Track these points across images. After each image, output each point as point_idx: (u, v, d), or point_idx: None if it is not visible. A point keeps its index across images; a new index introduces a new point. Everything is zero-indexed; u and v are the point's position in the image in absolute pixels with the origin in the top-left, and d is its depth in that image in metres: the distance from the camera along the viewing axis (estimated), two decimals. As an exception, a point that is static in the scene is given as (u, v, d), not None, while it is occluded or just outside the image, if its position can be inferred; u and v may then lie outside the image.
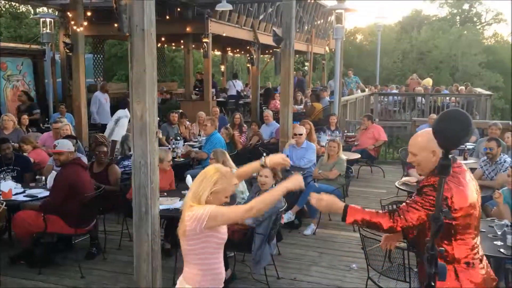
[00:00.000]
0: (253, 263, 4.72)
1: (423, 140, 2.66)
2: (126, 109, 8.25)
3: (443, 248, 1.93)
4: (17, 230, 5.18)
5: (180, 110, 10.98)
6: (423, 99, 16.94)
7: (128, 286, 4.72)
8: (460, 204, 2.47)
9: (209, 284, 2.77)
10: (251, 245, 4.71)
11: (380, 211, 2.65)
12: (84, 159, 6.88)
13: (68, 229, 5.14)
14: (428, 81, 19.70)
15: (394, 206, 4.45)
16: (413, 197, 2.58)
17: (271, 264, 5.02)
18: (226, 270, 4.82)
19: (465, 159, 7.65)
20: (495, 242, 3.99)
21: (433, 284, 1.51)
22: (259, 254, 4.65)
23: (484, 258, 2.65)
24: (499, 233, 4.06)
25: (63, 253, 5.58)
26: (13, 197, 5.38)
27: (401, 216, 2.52)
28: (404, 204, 2.61)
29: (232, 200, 4.79)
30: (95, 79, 15.53)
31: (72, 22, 9.41)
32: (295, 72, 17.39)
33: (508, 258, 3.89)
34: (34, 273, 5.11)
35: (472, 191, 2.54)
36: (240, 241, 4.74)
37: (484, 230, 4.29)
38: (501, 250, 3.83)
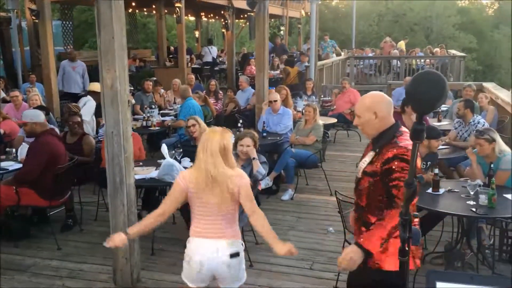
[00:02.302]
0: None
1: (366, 102, 2.65)
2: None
3: (417, 213, 1.94)
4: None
5: (154, 78, 10.77)
6: (398, 62, 16.99)
7: (105, 257, 4.69)
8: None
9: None
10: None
11: (380, 219, 2.52)
12: (56, 130, 6.73)
13: (42, 201, 5.04)
14: (402, 44, 19.73)
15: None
16: (388, 184, 2.48)
17: (249, 230, 5.04)
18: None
19: (439, 121, 7.75)
20: (467, 202, 4.07)
21: (407, 248, 1.52)
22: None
23: None
24: (472, 193, 4.14)
25: (38, 226, 5.50)
26: (-17, 170, 5.24)
27: (394, 210, 2.41)
28: (391, 192, 2.48)
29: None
30: (65, 47, 15.04)
31: (37, -13, 9.02)
32: (277, 39, 17.22)
33: (480, 216, 3.99)
34: (10, 247, 5.03)
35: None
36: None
37: (457, 191, 4.38)
38: (473, 209, 3.91)
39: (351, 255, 2.46)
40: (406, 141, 2.49)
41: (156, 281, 4.35)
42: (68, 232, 5.46)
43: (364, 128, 2.65)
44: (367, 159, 2.63)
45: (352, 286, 2.84)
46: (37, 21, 9.37)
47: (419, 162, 2.59)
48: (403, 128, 2.61)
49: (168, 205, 2.99)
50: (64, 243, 5.15)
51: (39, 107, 6.68)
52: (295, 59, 14.50)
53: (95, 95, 7.72)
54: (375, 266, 2.52)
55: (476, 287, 1.31)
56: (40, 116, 5.22)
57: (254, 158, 4.86)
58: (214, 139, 2.96)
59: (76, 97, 9.48)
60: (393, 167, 2.44)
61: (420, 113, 1.61)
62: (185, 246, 4.79)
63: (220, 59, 17.63)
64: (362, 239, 2.51)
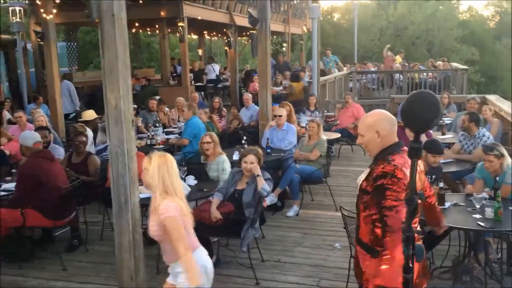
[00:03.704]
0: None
1: (369, 121, 2.63)
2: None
3: (420, 230, 1.93)
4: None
5: (158, 97, 10.84)
6: (400, 76, 17.03)
7: (110, 276, 4.68)
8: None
9: None
10: (233, 229, 4.70)
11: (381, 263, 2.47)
12: (61, 150, 6.77)
13: (47, 222, 5.05)
14: (398, 59, 19.80)
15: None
16: (380, 205, 2.44)
17: (255, 247, 5.02)
18: (211, 256, 4.84)
19: (443, 134, 7.74)
20: (474, 215, 4.05)
21: (411, 265, 1.50)
22: (243, 234, 4.65)
23: None
24: (478, 206, 4.11)
25: (43, 246, 5.49)
26: (-11, 193, 5.26)
27: (391, 234, 2.37)
28: (380, 223, 2.45)
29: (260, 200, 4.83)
30: (70, 68, 15.21)
31: (42, 10, 9.14)
32: (280, 56, 17.31)
33: (487, 230, 3.96)
34: (15, 268, 5.03)
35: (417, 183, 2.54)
36: (222, 226, 4.73)
37: (463, 204, 4.36)
38: (480, 223, 3.89)
39: None
40: (400, 159, 2.45)
41: None
42: (73, 252, 5.45)
43: (367, 146, 2.64)
44: (363, 175, 2.63)
45: None
46: (42, 42, 9.49)
47: (421, 178, 2.55)
48: (406, 148, 2.56)
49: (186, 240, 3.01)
50: (70, 263, 5.14)
51: (42, 128, 6.72)
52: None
53: (88, 123, 7.78)
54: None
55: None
56: (29, 140, 5.23)
57: (258, 175, 4.86)
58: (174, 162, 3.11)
59: (67, 117, 9.54)
60: (384, 182, 2.42)
61: (416, 132, 1.61)
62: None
63: (223, 77, 17.74)
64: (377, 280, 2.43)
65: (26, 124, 7.90)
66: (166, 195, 3.00)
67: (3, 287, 4.67)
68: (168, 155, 3.16)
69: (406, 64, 19.54)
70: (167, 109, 10.13)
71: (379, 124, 2.57)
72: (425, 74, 16.81)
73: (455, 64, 19.04)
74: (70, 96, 10.96)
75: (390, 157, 2.48)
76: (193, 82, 14.15)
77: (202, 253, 3.16)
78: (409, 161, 2.43)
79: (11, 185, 5.45)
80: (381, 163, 2.48)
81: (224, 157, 5.79)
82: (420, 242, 1.85)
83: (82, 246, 5.56)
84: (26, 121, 7.99)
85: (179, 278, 3.07)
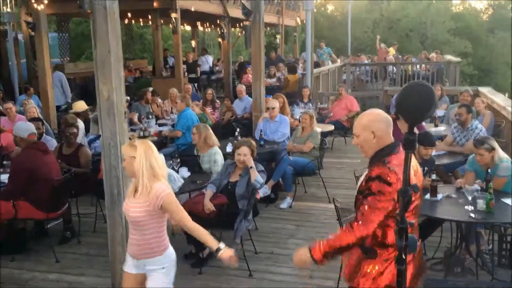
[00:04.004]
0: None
1: (364, 121, 2.58)
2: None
3: (412, 221, 1.94)
4: (-14, 218, 5.02)
5: (151, 88, 10.78)
6: (394, 68, 17.06)
7: (103, 269, 4.67)
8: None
9: None
10: (227, 221, 4.70)
11: (338, 231, 2.56)
12: (54, 142, 6.73)
13: (40, 214, 5.02)
14: (391, 51, 19.81)
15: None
16: (363, 201, 2.46)
17: (248, 239, 5.03)
18: (204, 248, 4.85)
19: (436, 126, 7.77)
20: (466, 207, 4.07)
21: (404, 257, 1.51)
22: (236, 226, 4.66)
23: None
24: (470, 198, 4.13)
25: (36, 239, 5.47)
26: (-20, 184, 5.22)
27: (362, 226, 2.43)
28: (358, 213, 2.48)
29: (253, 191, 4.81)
30: (62, 59, 15.08)
31: (33, 0, 9.04)
32: (272, 53, 17.26)
33: (478, 222, 3.99)
34: (7, 261, 5.01)
35: (412, 176, 2.49)
36: (216, 218, 4.73)
37: (455, 196, 4.38)
38: (472, 214, 3.91)
39: (299, 257, 2.60)
40: (396, 159, 2.42)
41: None
42: (66, 244, 5.44)
43: (363, 147, 2.58)
44: (362, 177, 2.60)
45: None
46: (33, 33, 9.39)
47: (414, 171, 2.53)
48: (401, 148, 2.49)
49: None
50: (63, 255, 5.12)
51: (35, 119, 6.67)
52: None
53: (79, 115, 7.73)
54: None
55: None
56: (23, 131, 5.20)
57: (251, 167, 4.86)
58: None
59: (60, 110, 9.49)
60: (372, 187, 2.40)
61: (410, 123, 1.61)
62: (184, 256, 4.77)
63: (217, 68, 17.67)
64: (313, 244, 2.55)
65: (16, 116, 7.83)
66: (154, 178, 3.03)
67: (-4, 280, 4.66)
68: (147, 140, 3.23)
69: (400, 56, 19.56)
70: (160, 100, 10.08)
71: (375, 124, 2.53)
72: (418, 66, 16.84)
73: (448, 57, 19.08)
74: (62, 87, 10.89)
75: (386, 159, 2.44)
76: (186, 73, 14.08)
77: (171, 248, 3.20)
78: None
79: (3, 177, 5.41)
80: (376, 165, 2.45)
81: (216, 149, 5.78)
82: (413, 234, 1.85)
83: (75, 238, 5.55)
84: (16, 112, 7.93)
85: (153, 276, 3.08)
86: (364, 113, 2.68)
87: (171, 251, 3.17)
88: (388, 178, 2.35)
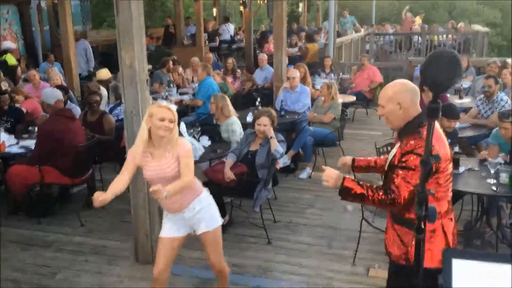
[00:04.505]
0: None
1: (390, 92, 2.53)
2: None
3: (433, 191, 1.92)
4: (12, 183, 5.16)
5: (174, 57, 10.78)
6: (419, 38, 16.64)
7: (126, 233, 4.80)
8: (442, 155, 2.37)
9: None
10: (246, 190, 4.75)
11: (374, 186, 2.52)
12: (78, 109, 6.83)
13: (65, 179, 5.15)
14: (418, 20, 19.26)
15: (389, 148, 4.45)
16: (399, 173, 2.43)
17: (267, 208, 5.09)
18: (223, 216, 4.92)
19: (460, 98, 7.62)
20: (488, 180, 4.03)
21: (423, 227, 1.52)
22: (255, 195, 4.71)
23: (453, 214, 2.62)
24: (493, 171, 4.08)
25: (61, 203, 5.63)
26: (7, 149, 5.36)
27: (396, 195, 2.41)
28: (392, 184, 2.45)
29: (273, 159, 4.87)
30: (84, 26, 15.13)
31: (56, -33, 9.03)
32: (293, 25, 16.98)
33: (501, 196, 3.95)
34: (34, 223, 5.19)
35: (446, 143, 2.48)
36: (236, 187, 4.78)
37: (477, 169, 4.33)
38: (494, 188, 3.87)
39: (330, 175, 2.61)
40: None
41: (177, 257, 4.44)
42: (90, 209, 5.56)
43: (388, 118, 2.55)
44: (394, 150, 2.55)
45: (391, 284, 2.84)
46: (56, 1, 9.41)
47: (440, 142, 2.49)
48: None
49: None
50: (87, 220, 5.27)
51: (59, 87, 6.76)
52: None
53: (103, 83, 7.79)
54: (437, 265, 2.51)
55: (492, 264, 1.32)
56: (51, 98, 5.27)
57: (271, 137, 4.86)
58: None
59: (81, 78, 9.56)
60: (408, 162, 2.37)
61: (435, 93, 1.59)
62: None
63: (238, 37, 17.52)
64: (348, 180, 2.55)
65: (40, 83, 7.95)
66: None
67: (23, 242, 4.83)
68: None
69: (426, 26, 19.04)
70: (181, 69, 10.09)
71: (401, 95, 2.48)
72: (444, 36, 16.40)
73: (476, 27, 18.50)
74: (86, 56, 10.95)
75: (420, 129, 2.40)
76: (207, 42, 14.00)
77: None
78: (439, 131, 2.42)
79: (28, 143, 5.54)
80: (412, 137, 2.41)
81: (233, 118, 5.79)
82: (433, 204, 1.85)
83: (98, 204, 5.68)
84: (39, 79, 8.03)
85: (204, 215, 3.25)
86: (390, 84, 2.63)
87: (206, 192, 3.35)
88: (421, 151, 2.31)
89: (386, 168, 2.61)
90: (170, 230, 3.26)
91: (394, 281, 2.72)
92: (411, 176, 2.36)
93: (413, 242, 2.42)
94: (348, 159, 3.00)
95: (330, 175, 2.59)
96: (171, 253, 3.29)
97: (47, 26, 14.08)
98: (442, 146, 2.41)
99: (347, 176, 2.59)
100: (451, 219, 2.53)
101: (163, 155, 3.14)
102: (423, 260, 1.57)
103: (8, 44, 11.69)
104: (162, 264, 3.25)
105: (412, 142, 2.39)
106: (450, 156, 2.48)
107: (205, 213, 3.28)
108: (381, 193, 2.44)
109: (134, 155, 3.15)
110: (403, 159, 2.39)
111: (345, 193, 2.53)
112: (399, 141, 2.56)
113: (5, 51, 11.26)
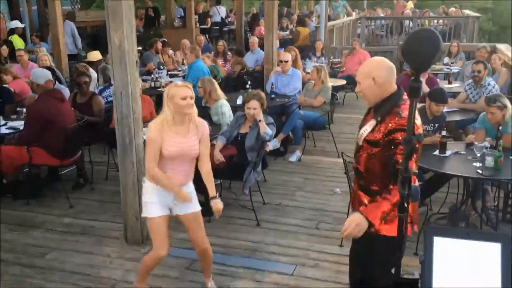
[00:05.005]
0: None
1: (366, 68, 2.59)
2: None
3: (416, 171, 1.96)
4: (1, 164, 5.15)
5: (163, 39, 10.69)
6: (410, 22, 16.63)
7: (116, 215, 4.82)
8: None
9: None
10: (236, 172, 4.78)
11: (386, 193, 2.48)
12: (66, 91, 6.77)
13: (53, 160, 5.13)
14: (410, 4, 19.23)
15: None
16: (394, 151, 2.44)
17: (256, 190, 5.13)
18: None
19: (449, 83, 7.67)
20: (474, 164, 4.09)
21: (406, 205, 1.55)
22: (245, 177, 4.74)
23: None
24: (478, 155, 4.15)
25: (50, 185, 5.62)
26: (-5, 130, 5.33)
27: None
28: (395, 167, 2.40)
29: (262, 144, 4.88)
30: (72, 6, 14.90)
31: None
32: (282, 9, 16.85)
33: (486, 178, 4.02)
34: (22, 205, 5.18)
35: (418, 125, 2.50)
36: (225, 169, 4.81)
37: (464, 153, 4.40)
38: (479, 171, 3.94)
39: (357, 222, 2.46)
40: (407, 110, 2.43)
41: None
42: (79, 190, 5.59)
43: (364, 94, 2.60)
44: (368, 127, 2.59)
45: (355, 250, 2.92)
46: (44, -20, 9.25)
47: (418, 122, 2.53)
48: (406, 96, 2.53)
49: None
50: (76, 201, 5.28)
51: (46, 68, 6.68)
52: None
53: (93, 65, 7.71)
54: (376, 232, 2.58)
55: (472, 242, 1.36)
56: (41, 78, 5.21)
57: (260, 120, 4.87)
58: None
59: (70, 57, 9.45)
60: (397, 139, 2.40)
61: (416, 70, 1.61)
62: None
63: (229, 20, 17.37)
64: (366, 210, 2.49)
65: (28, 63, 7.85)
66: None
67: (12, 222, 4.83)
68: None
69: (417, 10, 19.01)
70: (171, 51, 10.01)
71: (376, 71, 2.53)
72: (435, 21, 16.41)
73: (467, 12, 18.50)
74: (72, 36, 10.80)
75: (398, 110, 2.45)
76: (197, 24, 13.88)
77: None
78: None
79: (16, 123, 5.50)
80: (391, 117, 2.45)
81: (222, 101, 5.78)
82: (416, 184, 1.89)
83: (88, 185, 5.70)
84: (28, 59, 7.93)
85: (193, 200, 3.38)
86: (367, 60, 2.70)
87: None
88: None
89: (359, 143, 2.65)
90: (162, 210, 3.30)
91: (355, 247, 2.89)
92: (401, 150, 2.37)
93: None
94: None
95: (354, 227, 2.48)
96: (167, 230, 3.36)
97: (35, 6, 13.85)
98: (419, 125, 2.47)
99: (362, 210, 2.52)
100: None
101: (186, 133, 3.23)
102: (405, 236, 1.61)
103: (16, 23, 11.48)
104: (166, 242, 3.34)
105: (393, 122, 2.43)
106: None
107: (193, 195, 3.38)
108: (394, 185, 2.41)
109: (156, 139, 3.15)
110: (393, 137, 2.42)
111: (376, 220, 2.46)
112: (373, 118, 2.59)
113: (13, 31, 11.08)
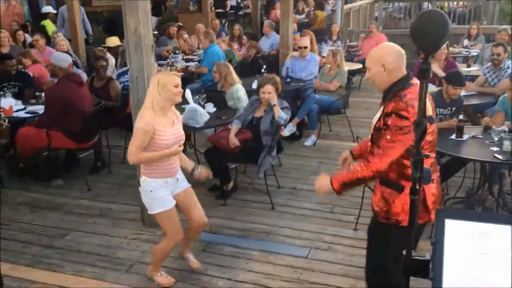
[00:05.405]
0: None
1: (375, 54, 2.57)
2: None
3: (428, 153, 1.95)
4: (21, 146, 5.26)
5: (179, 23, 10.68)
6: (429, 4, 16.31)
7: (133, 197, 4.88)
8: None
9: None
10: (251, 156, 4.80)
11: (357, 166, 2.61)
12: (84, 75, 6.84)
13: (72, 143, 5.21)
14: None
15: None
16: (381, 136, 2.49)
17: (271, 174, 5.15)
18: (228, 182, 5.00)
19: (468, 66, 7.54)
20: (491, 148, 4.05)
21: (417, 187, 1.55)
22: (260, 161, 4.77)
23: (437, 175, 2.67)
24: (496, 139, 4.09)
25: (68, 168, 5.72)
26: (14, 114, 5.42)
27: (377, 160, 2.49)
28: (375, 148, 2.54)
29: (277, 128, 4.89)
30: (88, -8, 14.92)
31: None
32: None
33: (503, 163, 3.97)
34: (41, 187, 5.30)
35: (428, 105, 2.47)
36: (240, 153, 4.83)
37: (481, 137, 4.35)
38: (497, 155, 3.89)
39: (320, 181, 2.69)
40: (412, 94, 2.40)
41: (182, 220, 4.53)
42: (97, 174, 5.68)
43: (374, 81, 2.58)
44: (378, 114, 2.59)
45: (369, 239, 2.93)
46: (60, -35, 9.28)
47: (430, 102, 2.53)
48: (415, 80, 2.51)
49: None
50: (94, 184, 5.37)
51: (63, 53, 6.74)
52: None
53: (111, 50, 7.74)
54: (392, 221, 2.60)
55: (483, 224, 1.36)
56: (64, 62, 5.26)
57: (274, 105, 4.86)
58: None
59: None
60: (389, 122, 2.42)
61: (425, 52, 1.60)
62: (209, 189, 4.96)
63: (245, 3, 17.26)
64: (335, 174, 2.64)
65: (45, 48, 7.92)
66: None
67: (32, 204, 4.95)
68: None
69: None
70: (186, 35, 10.01)
71: (385, 57, 2.51)
72: (455, 3, 16.08)
73: (488, -7, 18.07)
74: (82, 21, 10.83)
75: (402, 93, 2.44)
76: (213, 8, 13.82)
77: None
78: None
79: (36, 108, 5.59)
80: (393, 100, 2.45)
81: (238, 86, 5.79)
82: (428, 166, 1.88)
83: (105, 169, 5.78)
84: (44, 44, 8.00)
85: (182, 177, 3.49)
86: (376, 47, 2.67)
87: None
88: (405, 113, 2.37)
89: (371, 132, 2.66)
90: (171, 201, 3.37)
91: (372, 237, 2.89)
92: (394, 136, 2.41)
93: (393, 200, 2.56)
94: (347, 154, 3.07)
95: (320, 183, 2.70)
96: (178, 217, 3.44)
97: (53, -9, 13.93)
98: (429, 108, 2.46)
99: (333, 176, 2.66)
100: (433, 180, 2.58)
101: (172, 121, 3.27)
102: (416, 220, 1.62)
103: (48, 8, 11.59)
104: (181, 228, 3.44)
105: (393, 104, 2.43)
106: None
107: (181, 173, 3.50)
108: (369, 163, 2.53)
109: (150, 130, 3.15)
110: (385, 121, 2.45)
111: (340, 188, 2.61)
112: (383, 104, 2.59)
113: (45, 16, 11.17)
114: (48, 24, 10.78)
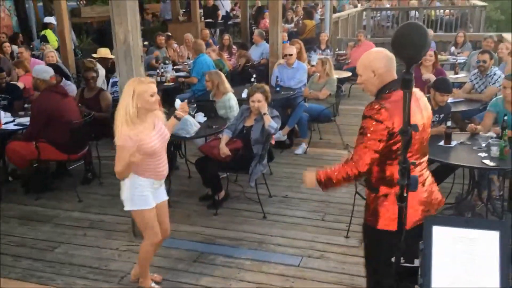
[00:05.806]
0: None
1: (365, 60, 2.59)
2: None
3: (414, 161, 1.97)
4: (11, 159, 5.24)
5: (168, 33, 10.71)
6: (416, 12, 16.52)
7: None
8: (398, 125, 2.32)
9: None
10: (242, 165, 4.81)
11: (343, 163, 2.62)
12: (73, 87, 6.82)
13: (61, 155, 5.19)
14: None
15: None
16: (357, 139, 2.52)
17: (262, 183, 5.16)
18: (219, 191, 5.00)
19: (456, 73, 7.64)
20: (479, 154, 4.09)
21: (405, 195, 1.58)
22: (251, 170, 4.77)
23: (428, 180, 2.68)
24: (484, 145, 4.14)
25: (59, 180, 5.69)
26: (3, 126, 5.39)
27: (355, 163, 2.51)
28: (354, 149, 2.57)
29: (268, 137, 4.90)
30: (78, 2, 14.95)
31: None
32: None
33: (491, 168, 4.02)
34: (32, 199, 5.26)
35: (415, 113, 2.48)
36: (231, 162, 4.83)
37: (469, 143, 4.39)
38: (485, 161, 3.94)
39: (307, 173, 2.73)
40: (394, 96, 2.41)
41: (173, 231, 4.49)
42: (88, 185, 5.65)
43: (365, 86, 2.61)
44: None
45: (365, 246, 2.95)
46: (49, -24, 9.28)
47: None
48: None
49: None
50: (85, 195, 5.34)
51: (51, 65, 6.72)
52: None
53: (104, 61, 7.73)
54: (383, 228, 2.60)
55: (471, 230, 1.38)
56: (45, 73, 5.27)
57: (264, 114, 4.89)
58: None
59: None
60: (363, 125, 2.46)
61: (406, 63, 1.63)
62: (200, 199, 4.95)
63: (234, 13, 17.34)
64: (322, 169, 2.67)
65: (30, 60, 7.88)
66: None
67: (22, 217, 4.90)
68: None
69: (423, 0, 18.88)
70: (176, 45, 10.03)
71: (375, 63, 2.54)
72: (441, 11, 16.29)
73: (473, 1, 18.35)
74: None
75: (384, 95, 2.47)
76: (203, 18, 13.87)
77: None
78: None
79: (25, 120, 5.56)
80: (373, 102, 2.48)
81: (230, 95, 5.81)
82: (415, 174, 1.91)
83: (96, 180, 5.75)
84: (29, 56, 7.95)
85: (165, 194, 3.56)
86: (366, 52, 2.69)
87: None
88: (377, 116, 2.38)
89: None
90: (153, 203, 3.39)
91: (365, 240, 2.89)
92: (367, 140, 2.43)
93: (372, 202, 2.59)
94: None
95: (306, 174, 2.75)
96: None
97: (41, 2, 13.90)
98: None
99: (320, 170, 2.69)
100: None
101: (153, 124, 3.29)
102: (405, 225, 1.63)
103: (50, 18, 11.56)
104: (159, 230, 3.46)
105: (369, 106, 2.46)
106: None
107: (164, 183, 3.54)
108: (347, 166, 2.55)
109: (131, 142, 3.13)
110: (361, 123, 2.48)
111: (326, 181, 2.64)
112: None
113: (46, 26, 11.14)
114: (50, 34, 10.75)
